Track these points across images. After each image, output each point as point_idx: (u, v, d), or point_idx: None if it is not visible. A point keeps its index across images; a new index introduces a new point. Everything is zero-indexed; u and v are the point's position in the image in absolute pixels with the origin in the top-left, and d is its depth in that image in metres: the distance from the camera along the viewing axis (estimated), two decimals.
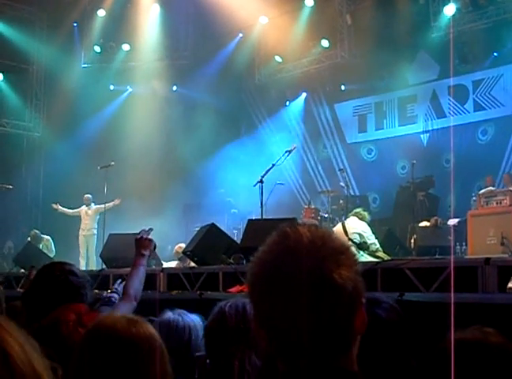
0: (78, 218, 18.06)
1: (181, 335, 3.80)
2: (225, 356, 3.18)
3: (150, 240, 4.55)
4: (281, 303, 1.55)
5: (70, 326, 3.21)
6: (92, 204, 17.92)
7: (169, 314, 3.92)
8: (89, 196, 17.95)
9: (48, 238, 17.31)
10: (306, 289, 1.53)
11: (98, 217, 17.90)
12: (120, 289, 4.73)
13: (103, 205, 17.15)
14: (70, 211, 18.27)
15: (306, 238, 1.60)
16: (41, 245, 16.48)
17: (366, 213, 12.90)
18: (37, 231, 17.48)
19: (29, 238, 16.88)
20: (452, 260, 7.80)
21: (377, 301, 2.63)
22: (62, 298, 3.52)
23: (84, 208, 18.03)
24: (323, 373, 1.57)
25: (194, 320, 3.96)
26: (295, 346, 1.56)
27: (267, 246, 1.66)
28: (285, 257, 1.58)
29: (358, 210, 13.13)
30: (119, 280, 4.89)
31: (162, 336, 3.65)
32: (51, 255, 15.81)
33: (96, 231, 17.89)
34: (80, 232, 18.03)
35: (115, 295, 4.60)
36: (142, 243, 4.50)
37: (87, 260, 17.66)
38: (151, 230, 4.66)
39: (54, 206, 18.28)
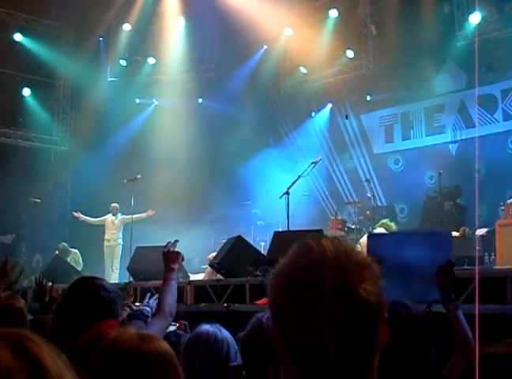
0: (103, 228, 18.03)
1: (220, 348, 3.81)
2: (261, 367, 3.18)
3: (178, 253, 4.51)
4: (304, 317, 1.53)
5: None
6: (119, 214, 17.80)
7: (207, 327, 3.93)
8: (117, 205, 17.85)
9: (76, 251, 17.32)
10: (331, 303, 1.51)
11: (123, 228, 17.81)
12: (151, 302, 4.73)
13: (130, 216, 17.07)
14: (94, 219, 18.07)
15: (329, 252, 1.58)
16: (69, 259, 16.52)
17: (393, 224, 12.87)
18: (65, 244, 17.51)
19: (57, 252, 16.96)
20: (477, 270, 7.72)
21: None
22: (94, 314, 3.50)
23: (110, 216, 17.87)
24: None
25: (230, 335, 3.98)
26: (318, 361, 1.54)
27: (289, 259, 1.63)
28: (309, 270, 1.55)
29: (385, 221, 13.10)
30: (149, 294, 4.89)
31: (200, 349, 3.66)
32: (79, 268, 15.89)
33: (121, 242, 17.76)
34: (105, 243, 17.87)
35: (147, 308, 4.60)
36: (170, 257, 4.45)
37: (111, 271, 17.45)
38: (176, 241, 4.61)
39: (76, 214, 18.14)
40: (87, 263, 17.19)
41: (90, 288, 3.64)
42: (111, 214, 17.87)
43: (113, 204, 17.88)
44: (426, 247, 3.60)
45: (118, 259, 17.54)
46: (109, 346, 2.39)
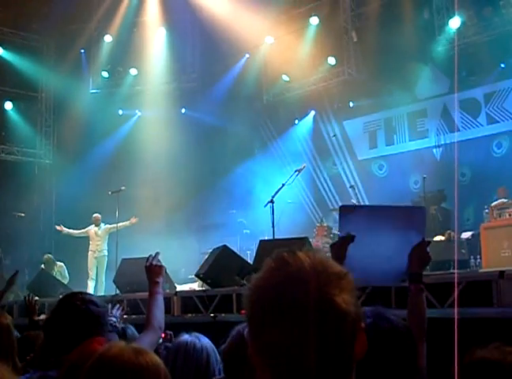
0: (87, 239, 17.90)
1: (199, 358, 3.80)
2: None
3: (160, 266, 4.44)
4: (285, 330, 1.52)
5: None
6: (102, 224, 17.54)
7: (186, 337, 3.91)
8: (99, 215, 17.58)
9: (61, 264, 17.19)
10: (312, 315, 1.51)
11: (108, 238, 17.57)
12: (115, 312, 4.71)
13: (115, 225, 16.94)
14: (77, 231, 17.79)
15: (307, 264, 1.58)
16: (55, 272, 16.46)
17: None
18: (50, 256, 17.40)
19: (43, 265, 16.91)
20: (456, 275, 7.75)
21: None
22: (83, 329, 3.50)
23: (93, 227, 17.56)
24: None
25: (210, 342, 3.96)
26: (299, 373, 1.53)
27: (265, 273, 1.62)
28: (287, 284, 1.55)
29: None
30: (111, 304, 4.87)
31: (179, 359, 3.64)
32: (65, 281, 15.82)
33: (106, 253, 17.50)
34: (91, 254, 17.53)
35: (113, 319, 4.58)
36: (153, 270, 4.40)
37: (96, 283, 17.26)
38: (158, 254, 4.53)
39: (59, 228, 17.93)
40: (72, 276, 17.11)
41: (80, 303, 3.64)
42: (93, 225, 17.60)
43: (94, 215, 17.62)
44: (399, 222, 3.53)
45: (104, 270, 17.29)
46: (102, 359, 2.35)
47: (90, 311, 3.61)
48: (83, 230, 17.72)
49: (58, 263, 17.18)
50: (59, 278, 15.69)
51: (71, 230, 17.87)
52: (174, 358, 3.81)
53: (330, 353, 1.53)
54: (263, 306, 1.57)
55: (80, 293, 3.87)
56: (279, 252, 1.66)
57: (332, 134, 19.46)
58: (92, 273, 17.39)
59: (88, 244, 17.71)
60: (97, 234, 17.49)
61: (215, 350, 3.87)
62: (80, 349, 3.36)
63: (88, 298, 3.71)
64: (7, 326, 4.61)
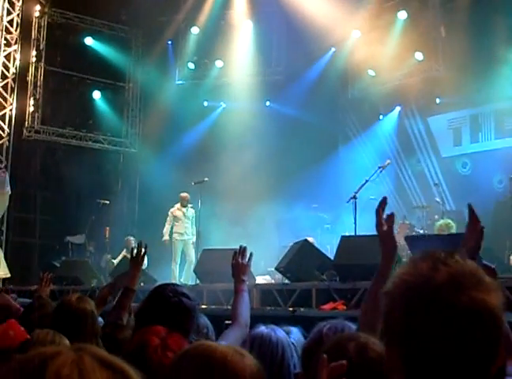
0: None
1: (274, 351, 3.80)
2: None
3: (247, 265, 4.48)
4: (441, 334, 1.50)
5: (159, 352, 3.14)
6: (189, 206, 16.96)
7: (262, 328, 3.92)
8: (187, 194, 17.02)
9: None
10: (471, 321, 1.49)
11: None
12: None
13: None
14: (168, 225, 16.97)
15: (467, 268, 1.56)
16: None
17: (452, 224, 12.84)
18: (131, 238, 17.55)
19: (125, 249, 17.14)
20: None
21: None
22: (174, 321, 3.52)
23: (178, 207, 16.97)
24: None
25: (286, 335, 3.95)
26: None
27: (418, 270, 1.57)
28: (450, 287, 1.52)
29: (442, 222, 13.02)
30: None
31: (254, 351, 3.67)
32: (143, 267, 15.90)
33: (194, 238, 16.84)
34: (177, 236, 16.81)
35: None
36: (240, 268, 4.44)
37: (180, 271, 16.67)
38: (245, 250, 4.55)
39: (166, 237, 16.90)
40: (152, 263, 17.21)
41: (172, 295, 3.71)
42: (179, 204, 17.01)
43: (182, 194, 17.08)
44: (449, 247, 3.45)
45: (193, 257, 16.36)
46: (206, 357, 2.14)
47: (183, 304, 3.69)
48: (169, 217, 17.04)
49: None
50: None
51: (167, 229, 17.05)
52: (249, 348, 3.83)
53: (485, 361, 1.51)
54: (417, 308, 1.53)
55: (172, 284, 3.94)
56: (430, 250, 1.62)
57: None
58: (177, 257, 16.69)
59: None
60: (185, 215, 16.93)
61: (290, 344, 3.87)
62: (135, 338, 3.36)
63: (180, 290, 3.78)
64: (91, 312, 4.70)
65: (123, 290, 5.20)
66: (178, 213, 16.97)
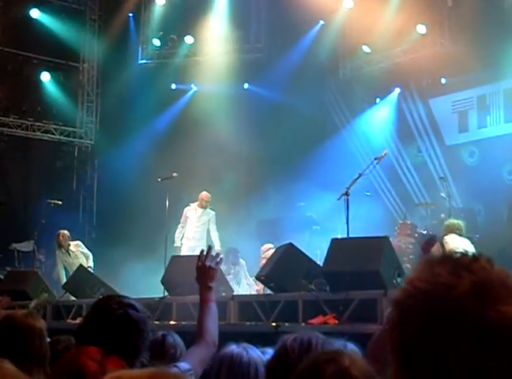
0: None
1: (245, 373, 3.77)
2: None
3: (214, 269, 4.30)
4: (464, 354, 1.46)
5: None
6: (209, 208, 16.63)
7: (232, 348, 3.89)
8: (207, 194, 16.64)
9: (78, 242, 16.55)
10: (501, 339, 1.46)
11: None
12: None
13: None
14: (180, 228, 16.61)
15: (495, 276, 1.52)
16: (68, 253, 15.99)
17: (463, 225, 12.88)
18: (65, 232, 16.77)
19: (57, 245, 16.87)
20: None
21: None
22: (120, 336, 3.52)
23: (194, 207, 16.55)
24: None
25: (261, 355, 3.92)
26: None
27: (435, 277, 1.53)
28: (473, 296, 1.48)
29: (452, 223, 13.05)
30: None
31: (223, 373, 3.64)
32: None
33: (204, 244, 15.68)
34: (184, 241, 16.48)
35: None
36: (206, 272, 4.28)
37: None
38: (211, 249, 4.44)
39: (178, 244, 16.52)
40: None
41: (116, 307, 3.67)
42: (196, 203, 16.60)
43: (203, 193, 16.69)
44: None
45: None
46: None
47: (129, 315, 3.65)
48: (181, 222, 16.68)
49: (73, 242, 16.47)
50: (75, 260, 15.67)
51: (178, 233, 16.66)
52: (217, 371, 3.79)
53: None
54: (436, 323, 1.50)
55: (119, 295, 3.89)
56: (447, 254, 1.59)
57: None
58: None
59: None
60: (199, 217, 16.51)
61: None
62: (69, 362, 3.36)
63: (126, 302, 3.74)
64: (40, 330, 4.66)
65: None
66: (191, 214, 16.64)
